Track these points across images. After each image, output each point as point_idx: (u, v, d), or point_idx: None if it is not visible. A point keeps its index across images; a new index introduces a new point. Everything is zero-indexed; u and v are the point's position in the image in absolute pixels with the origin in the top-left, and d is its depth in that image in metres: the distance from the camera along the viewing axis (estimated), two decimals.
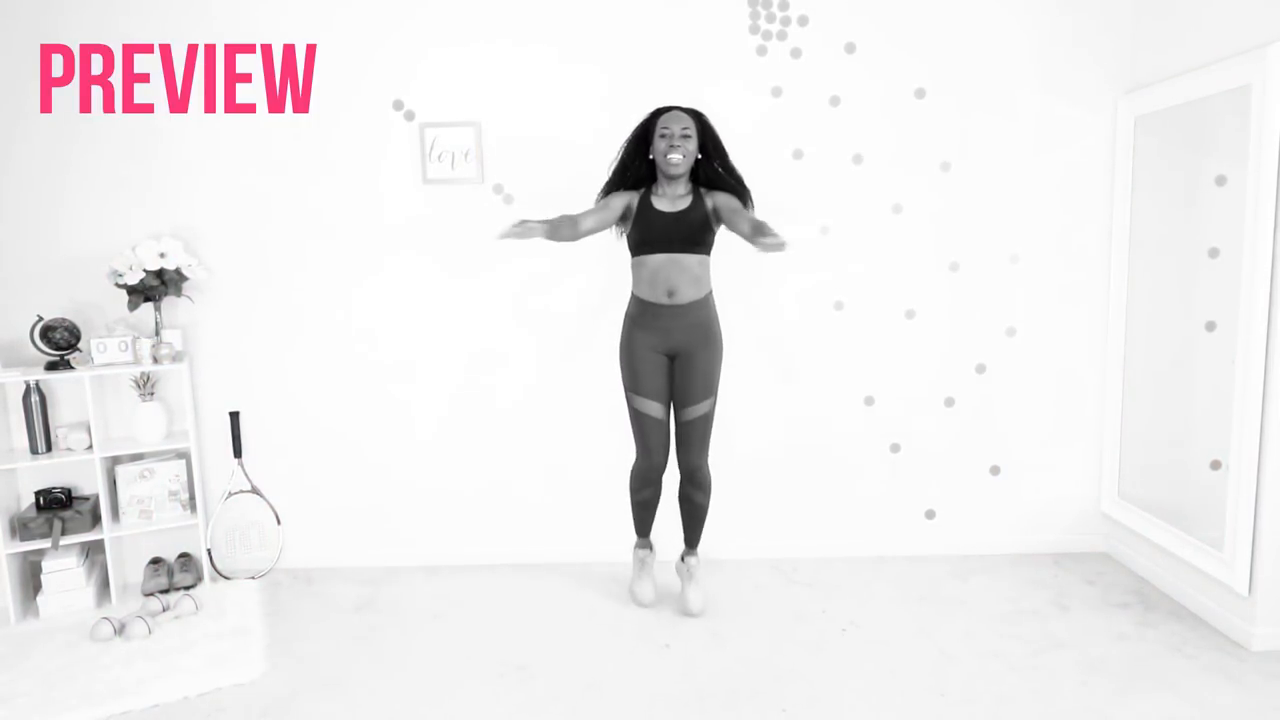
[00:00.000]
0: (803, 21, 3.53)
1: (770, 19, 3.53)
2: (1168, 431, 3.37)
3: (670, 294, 3.00)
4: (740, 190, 3.05)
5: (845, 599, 3.37)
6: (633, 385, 3.11)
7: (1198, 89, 3.08)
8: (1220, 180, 3.00)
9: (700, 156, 3.01)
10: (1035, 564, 3.67)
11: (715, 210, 3.03)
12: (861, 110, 3.57)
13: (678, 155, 2.93)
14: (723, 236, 3.12)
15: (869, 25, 3.53)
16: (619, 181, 3.07)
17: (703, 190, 3.05)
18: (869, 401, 3.73)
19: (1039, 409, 3.73)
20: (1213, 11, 3.05)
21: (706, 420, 3.13)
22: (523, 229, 2.74)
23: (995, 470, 3.78)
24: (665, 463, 3.19)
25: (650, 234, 2.99)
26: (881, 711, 2.60)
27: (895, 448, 3.76)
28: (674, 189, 3.02)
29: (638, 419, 3.13)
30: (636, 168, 3.05)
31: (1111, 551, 3.74)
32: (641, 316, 3.07)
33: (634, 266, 3.08)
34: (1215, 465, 3.05)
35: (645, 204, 3.02)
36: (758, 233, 2.72)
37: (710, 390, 3.10)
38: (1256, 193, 2.76)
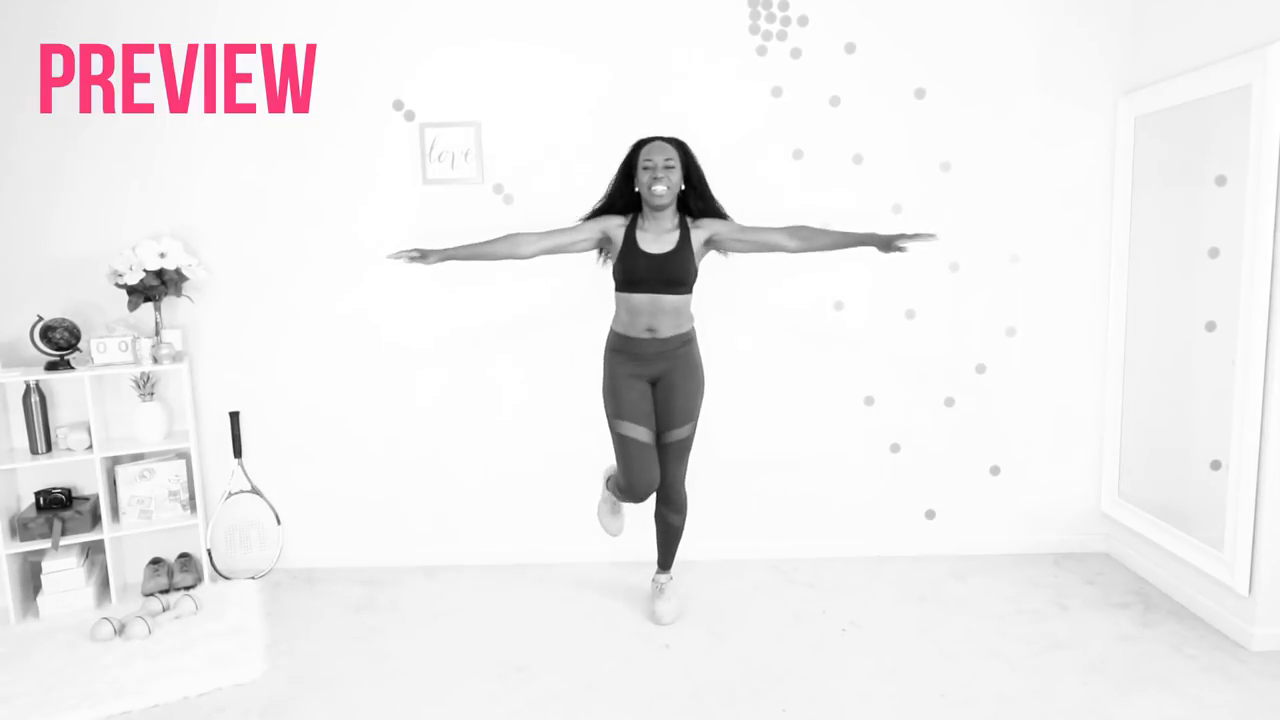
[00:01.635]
0: (803, 21, 3.53)
1: (770, 19, 3.53)
2: (1168, 431, 3.37)
3: (650, 330, 2.97)
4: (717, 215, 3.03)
5: (845, 599, 3.37)
6: (616, 411, 3.04)
7: (1198, 89, 3.08)
8: (1220, 180, 3.00)
9: (685, 186, 2.96)
10: (1035, 564, 3.67)
11: (713, 240, 2.99)
12: (861, 110, 3.58)
13: (662, 187, 2.87)
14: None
15: (869, 25, 3.53)
16: (605, 213, 3.02)
17: (690, 221, 2.99)
18: (869, 401, 3.73)
19: (1039, 409, 3.73)
20: (1213, 11, 3.05)
21: (685, 445, 3.10)
22: (419, 256, 2.86)
23: (995, 470, 3.78)
24: (649, 494, 3.10)
25: (634, 275, 2.93)
26: (881, 711, 2.60)
27: (895, 448, 3.76)
28: (660, 222, 2.95)
29: (623, 445, 3.04)
30: (621, 201, 3.01)
31: (1111, 551, 3.74)
32: (622, 347, 3.03)
33: (617, 300, 3.03)
34: (1215, 465, 3.05)
35: (630, 240, 2.95)
36: (809, 236, 2.91)
37: (691, 415, 3.07)
38: (1256, 193, 2.76)
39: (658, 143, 2.95)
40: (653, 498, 3.18)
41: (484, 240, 2.98)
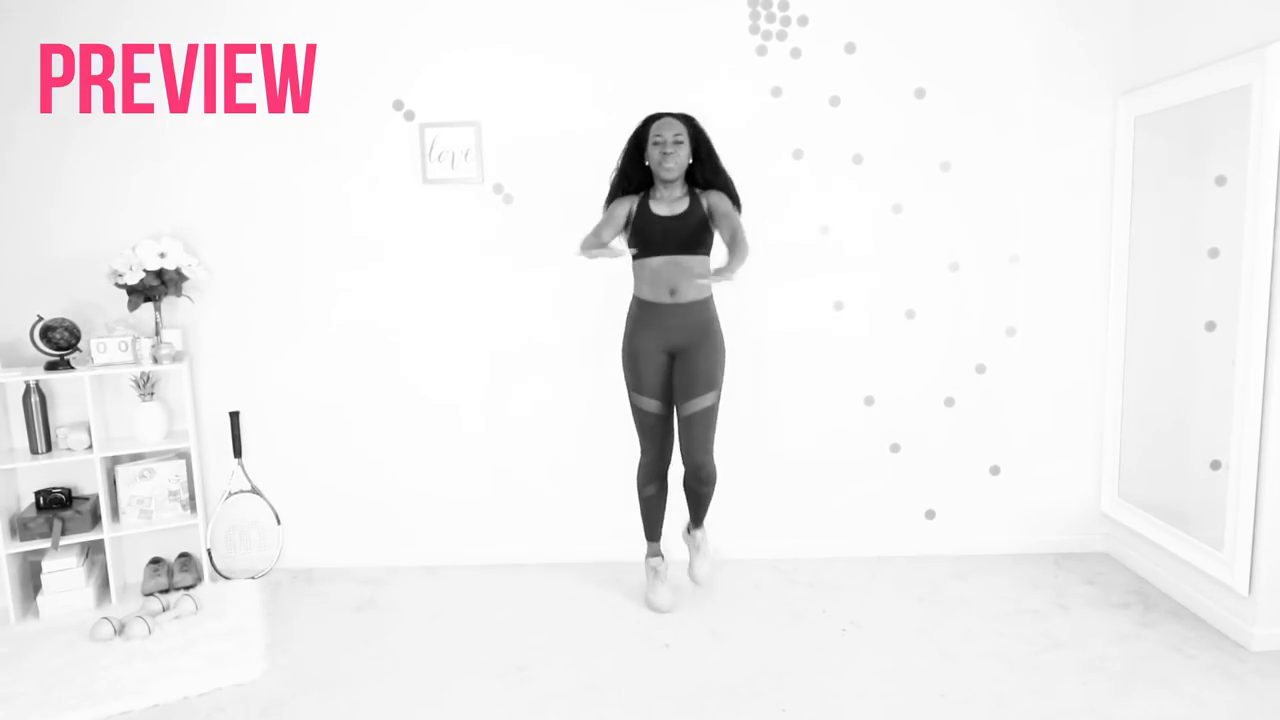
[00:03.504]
0: (803, 21, 3.53)
1: (770, 19, 3.53)
2: (1168, 431, 3.37)
3: (672, 292, 3.05)
4: (730, 194, 3.12)
5: (845, 599, 3.37)
6: (635, 384, 3.17)
7: (1198, 89, 3.08)
8: (1220, 180, 3.00)
9: (694, 159, 3.07)
10: (1035, 564, 3.67)
11: (710, 210, 3.09)
12: (861, 110, 3.57)
13: (671, 162, 3.00)
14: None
15: (869, 25, 3.53)
16: (621, 189, 3.13)
17: (698, 191, 3.10)
18: (869, 401, 3.73)
19: (1039, 409, 3.73)
20: (1212, 11, 3.05)
21: (709, 414, 3.14)
22: (610, 251, 2.90)
23: (995, 470, 3.78)
24: (668, 459, 3.27)
25: (649, 237, 3.05)
26: (881, 711, 2.60)
27: (895, 448, 3.76)
28: (670, 192, 3.08)
29: (640, 416, 3.20)
30: (635, 174, 3.11)
31: (1111, 551, 3.74)
32: (643, 316, 3.12)
33: (635, 269, 3.13)
34: (1215, 465, 3.05)
35: (644, 208, 3.07)
36: (732, 249, 2.92)
37: (713, 384, 3.13)
38: (1256, 193, 2.76)
39: (666, 119, 3.04)
40: (680, 477, 3.27)
41: (601, 243, 2.99)
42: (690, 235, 3.03)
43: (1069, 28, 3.52)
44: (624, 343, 3.20)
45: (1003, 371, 3.71)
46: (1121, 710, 2.58)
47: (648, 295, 3.10)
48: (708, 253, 3.09)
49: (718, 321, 3.17)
